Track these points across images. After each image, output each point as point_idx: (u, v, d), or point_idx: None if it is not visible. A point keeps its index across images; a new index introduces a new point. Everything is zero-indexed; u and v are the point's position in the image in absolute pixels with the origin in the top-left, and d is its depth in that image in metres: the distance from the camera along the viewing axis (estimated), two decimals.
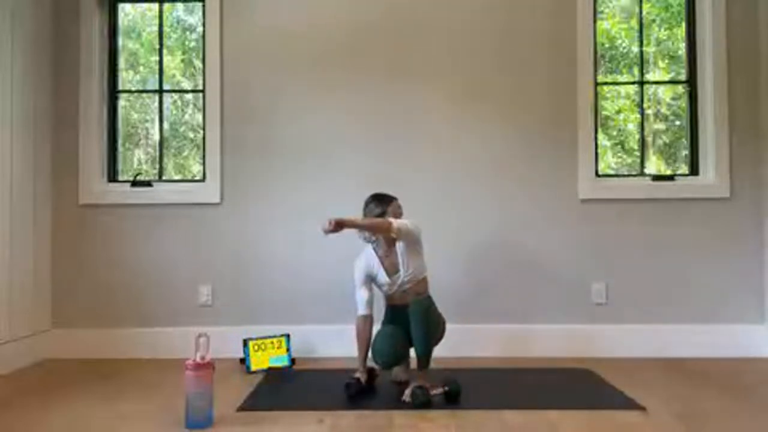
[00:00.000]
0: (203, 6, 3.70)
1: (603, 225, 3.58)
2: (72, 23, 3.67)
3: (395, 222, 2.77)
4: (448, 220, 3.59)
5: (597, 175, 3.65)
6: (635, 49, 3.75)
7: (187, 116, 3.91)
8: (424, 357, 2.66)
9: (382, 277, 2.91)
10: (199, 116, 3.84)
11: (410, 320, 2.66)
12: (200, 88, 3.79)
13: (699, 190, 3.56)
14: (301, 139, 3.64)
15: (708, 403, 2.61)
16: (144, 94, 3.88)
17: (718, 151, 3.55)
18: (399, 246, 2.86)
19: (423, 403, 2.54)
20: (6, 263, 3.22)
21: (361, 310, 2.86)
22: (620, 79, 3.81)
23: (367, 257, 2.95)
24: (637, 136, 3.75)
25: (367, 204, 2.97)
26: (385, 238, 2.89)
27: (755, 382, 2.95)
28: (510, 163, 3.61)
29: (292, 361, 3.35)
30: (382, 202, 2.93)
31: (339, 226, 2.69)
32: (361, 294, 2.88)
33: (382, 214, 2.88)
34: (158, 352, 3.56)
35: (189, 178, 3.83)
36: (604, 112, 3.80)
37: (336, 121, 3.64)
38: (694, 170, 3.68)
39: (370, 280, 2.93)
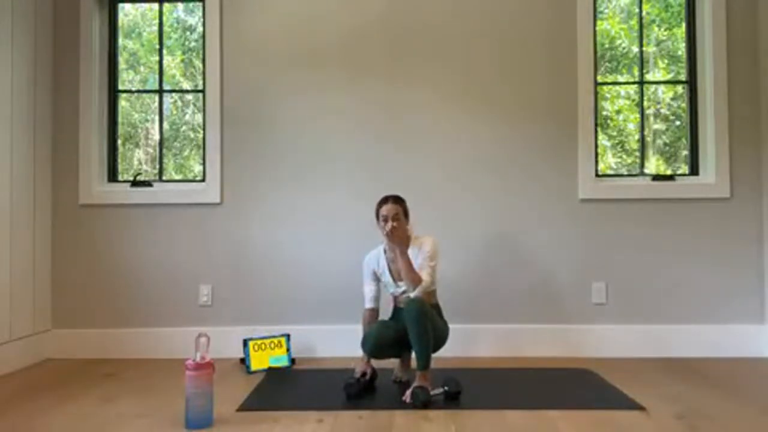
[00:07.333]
0: (203, 6, 3.70)
1: (603, 225, 3.58)
2: (72, 23, 3.67)
3: (424, 284, 2.75)
4: (448, 221, 3.59)
5: (597, 175, 3.65)
6: (635, 49, 3.75)
7: (187, 116, 3.91)
8: (422, 357, 2.65)
9: (387, 279, 2.94)
10: (199, 116, 3.84)
11: (405, 320, 2.66)
12: (200, 88, 3.79)
13: (699, 190, 3.56)
14: (301, 139, 3.64)
15: (708, 403, 2.61)
16: (144, 94, 3.88)
17: (718, 151, 3.55)
18: (411, 258, 2.83)
19: (423, 403, 2.54)
20: (6, 263, 3.22)
21: (367, 304, 2.98)
22: (620, 79, 3.81)
23: (377, 256, 2.98)
24: (637, 136, 3.75)
25: (383, 203, 2.89)
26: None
27: (755, 382, 2.95)
28: (510, 164, 3.61)
29: (292, 361, 3.35)
30: (399, 202, 2.90)
31: (397, 241, 2.76)
32: (367, 289, 2.98)
33: (405, 213, 2.89)
34: (158, 352, 3.56)
35: (189, 178, 3.83)
36: (604, 112, 3.80)
37: (336, 121, 3.64)
38: (694, 170, 3.68)
39: (377, 277, 2.97)
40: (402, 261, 2.75)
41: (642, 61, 3.72)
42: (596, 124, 3.64)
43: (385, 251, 2.96)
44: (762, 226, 3.56)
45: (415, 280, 2.74)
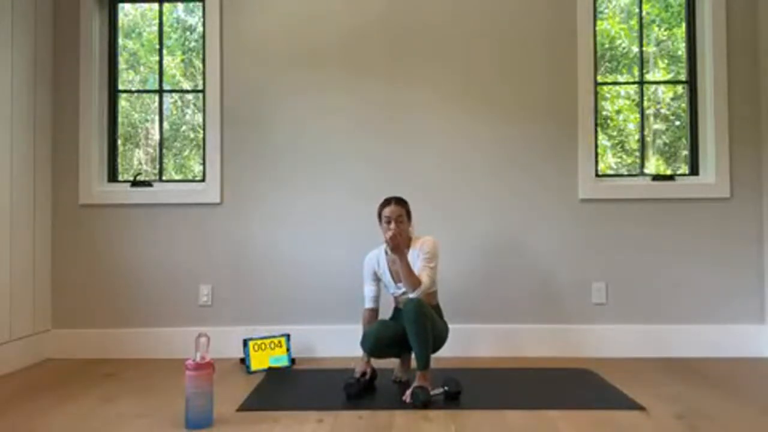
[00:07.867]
0: (203, 6, 3.70)
1: (603, 225, 3.58)
2: (72, 23, 3.67)
3: (423, 286, 2.75)
4: (448, 222, 3.59)
5: (597, 175, 3.65)
6: (635, 49, 3.75)
7: (187, 116, 3.91)
8: (421, 357, 2.65)
9: (387, 280, 2.94)
10: (199, 116, 3.84)
11: (404, 320, 2.66)
12: (200, 88, 3.79)
13: (699, 190, 3.56)
14: (300, 139, 3.64)
15: (708, 403, 2.61)
16: (144, 94, 3.88)
17: (718, 151, 3.55)
18: (410, 260, 2.82)
19: (423, 403, 2.54)
20: (6, 263, 3.22)
21: (367, 304, 2.98)
22: (620, 79, 3.81)
23: (377, 256, 2.99)
24: (637, 136, 3.75)
25: (385, 204, 2.90)
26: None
27: (755, 382, 2.95)
28: (510, 164, 3.61)
29: (292, 361, 3.35)
30: (402, 204, 2.91)
31: (397, 247, 2.71)
32: (367, 289, 2.98)
33: (407, 215, 2.90)
34: (158, 352, 3.56)
35: (189, 178, 3.83)
36: (604, 112, 3.80)
37: (336, 122, 3.64)
38: (694, 170, 3.68)
39: (377, 278, 2.98)
40: (402, 265, 2.74)
41: (642, 61, 3.72)
42: (596, 124, 3.64)
43: (386, 252, 2.96)
44: (762, 226, 3.56)
45: (415, 283, 2.74)
